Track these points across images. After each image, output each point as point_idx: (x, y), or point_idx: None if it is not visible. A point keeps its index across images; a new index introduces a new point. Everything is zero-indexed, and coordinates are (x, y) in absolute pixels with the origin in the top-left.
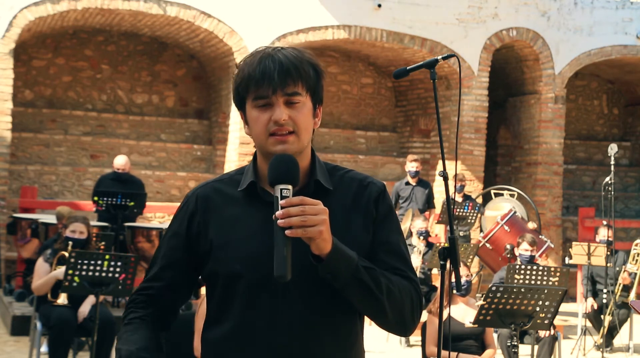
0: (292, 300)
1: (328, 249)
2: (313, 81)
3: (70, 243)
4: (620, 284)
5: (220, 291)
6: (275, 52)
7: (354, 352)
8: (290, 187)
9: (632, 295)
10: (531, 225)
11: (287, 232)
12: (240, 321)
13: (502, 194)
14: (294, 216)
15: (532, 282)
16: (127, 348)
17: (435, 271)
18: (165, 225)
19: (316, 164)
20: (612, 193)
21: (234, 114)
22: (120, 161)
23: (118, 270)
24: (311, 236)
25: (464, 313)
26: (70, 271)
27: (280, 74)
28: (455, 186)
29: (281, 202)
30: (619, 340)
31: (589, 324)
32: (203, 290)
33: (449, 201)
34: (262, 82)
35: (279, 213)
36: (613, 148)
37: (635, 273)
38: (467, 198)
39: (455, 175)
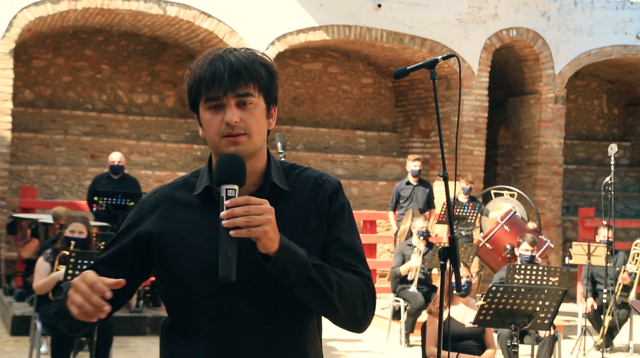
0: (250, 302)
1: (275, 248)
2: (265, 81)
3: (73, 242)
4: (620, 284)
5: (179, 297)
6: (227, 54)
7: (313, 352)
8: (236, 187)
9: (632, 295)
10: (531, 225)
11: (231, 233)
12: (199, 324)
13: (502, 194)
14: (238, 217)
15: (532, 282)
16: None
17: (435, 271)
18: None
19: (272, 165)
20: (612, 193)
21: None
22: (116, 156)
23: None
24: (256, 236)
25: (464, 313)
26: (70, 272)
27: (230, 75)
28: (463, 188)
29: (226, 202)
30: (619, 340)
31: (589, 324)
32: None
33: (449, 201)
34: (213, 84)
35: (223, 213)
36: (613, 148)
37: (635, 273)
38: (471, 199)
39: (456, 175)
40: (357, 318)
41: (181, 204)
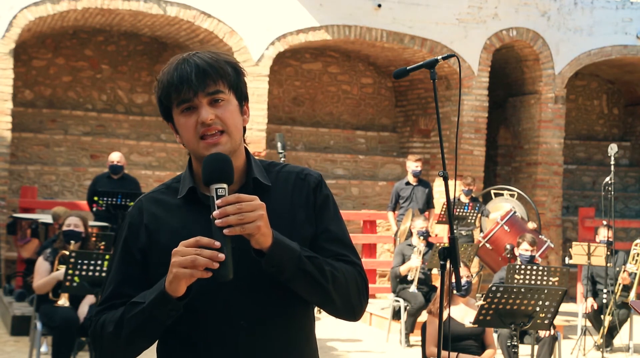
0: (245, 299)
1: (268, 243)
2: (233, 78)
3: (72, 241)
4: (620, 284)
5: None
6: (190, 57)
7: (309, 346)
8: (225, 186)
9: (632, 295)
10: (531, 225)
11: (225, 231)
12: (195, 325)
13: (502, 194)
14: (231, 215)
15: (532, 282)
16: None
17: (435, 271)
18: None
19: (252, 162)
20: (612, 193)
21: None
22: (116, 156)
23: None
24: (250, 232)
25: (464, 313)
26: (70, 271)
27: (197, 75)
28: (462, 190)
29: (217, 201)
30: (619, 340)
31: (589, 324)
32: None
33: (449, 201)
34: (182, 87)
35: (216, 212)
36: (613, 148)
37: (635, 273)
38: (472, 199)
39: (456, 175)
40: (352, 307)
41: (168, 208)
